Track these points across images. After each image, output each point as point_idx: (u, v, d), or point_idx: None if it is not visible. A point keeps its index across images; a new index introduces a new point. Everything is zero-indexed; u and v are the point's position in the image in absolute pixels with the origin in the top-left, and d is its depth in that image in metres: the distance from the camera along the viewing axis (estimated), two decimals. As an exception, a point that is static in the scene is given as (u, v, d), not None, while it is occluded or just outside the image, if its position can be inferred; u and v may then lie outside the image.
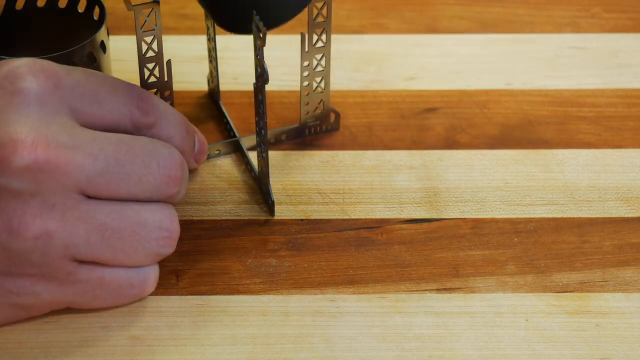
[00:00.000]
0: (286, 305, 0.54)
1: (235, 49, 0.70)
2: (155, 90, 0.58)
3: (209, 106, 0.67)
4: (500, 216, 0.59)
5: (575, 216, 0.59)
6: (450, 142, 0.64)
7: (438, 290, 0.55)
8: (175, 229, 0.52)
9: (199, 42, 0.71)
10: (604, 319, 0.53)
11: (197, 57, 0.70)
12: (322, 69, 0.62)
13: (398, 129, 0.65)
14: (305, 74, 0.62)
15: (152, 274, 0.53)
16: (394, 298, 0.54)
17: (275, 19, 0.55)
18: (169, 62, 0.58)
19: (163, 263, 0.55)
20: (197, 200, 0.60)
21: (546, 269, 0.56)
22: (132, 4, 0.54)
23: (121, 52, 0.67)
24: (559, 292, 0.55)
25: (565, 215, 0.59)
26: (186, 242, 0.57)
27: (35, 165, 0.47)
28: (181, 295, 0.54)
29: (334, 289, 0.55)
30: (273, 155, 0.62)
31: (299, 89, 0.63)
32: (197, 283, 0.55)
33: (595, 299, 0.54)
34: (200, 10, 0.66)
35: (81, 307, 0.52)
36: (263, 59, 0.55)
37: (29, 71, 0.49)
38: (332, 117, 0.64)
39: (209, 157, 0.62)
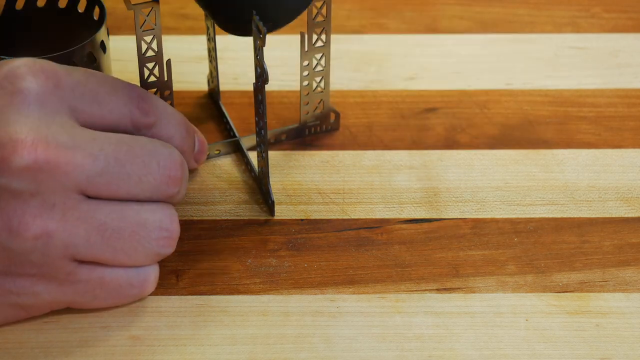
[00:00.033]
0: (286, 305, 0.54)
1: (235, 49, 0.70)
2: (155, 89, 0.58)
3: (209, 106, 0.67)
4: (500, 216, 0.59)
5: (575, 216, 0.59)
6: (450, 142, 0.64)
7: (438, 290, 0.55)
8: (175, 229, 0.52)
9: (199, 42, 0.71)
10: (604, 319, 0.53)
11: (197, 57, 0.70)
12: (321, 68, 0.62)
13: (398, 129, 0.65)
14: (305, 73, 0.62)
15: (152, 274, 0.53)
16: (394, 298, 0.54)
17: (275, 21, 0.55)
18: (168, 61, 0.58)
19: (163, 263, 0.55)
20: (197, 200, 0.60)
21: (546, 269, 0.56)
22: (132, 3, 0.54)
23: (121, 52, 0.67)
24: (559, 292, 0.55)
25: (565, 215, 0.59)
26: (186, 242, 0.57)
27: (35, 165, 0.47)
28: (181, 295, 0.54)
29: (334, 289, 0.55)
30: (273, 155, 0.62)
31: (299, 88, 0.63)
32: (197, 283, 0.55)
33: (595, 299, 0.54)
34: (200, 10, 0.66)
35: (81, 307, 0.52)
36: (263, 59, 0.55)
37: (29, 71, 0.49)
38: (332, 117, 0.64)
39: (209, 157, 0.62)
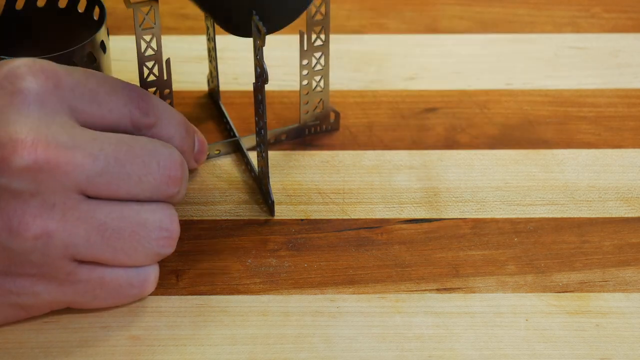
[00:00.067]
0: (286, 305, 0.54)
1: (235, 49, 0.70)
2: (155, 88, 0.58)
3: (209, 106, 0.67)
4: (500, 216, 0.59)
5: (575, 216, 0.59)
6: (450, 142, 0.64)
7: (438, 290, 0.55)
8: (175, 229, 0.52)
9: (199, 42, 0.71)
10: (604, 319, 0.53)
11: (197, 57, 0.70)
12: (321, 67, 0.62)
13: (398, 129, 0.65)
14: (305, 72, 0.61)
15: (152, 274, 0.53)
16: (394, 298, 0.54)
17: (276, 22, 0.55)
18: (168, 60, 0.58)
19: (163, 263, 0.55)
20: (197, 200, 0.60)
21: (546, 269, 0.56)
22: (131, 1, 0.54)
23: (121, 52, 0.67)
24: (559, 292, 0.55)
25: (565, 215, 0.59)
26: (186, 242, 0.57)
27: (35, 165, 0.47)
28: (181, 295, 0.54)
29: (334, 289, 0.55)
30: (273, 155, 0.62)
31: (298, 88, 0.63)
32: (197, 283, 0.55)
33: (595, 299, 0.54)
34: (200, 10, 0.66)
35: (81, 307, 0.52)
36: (263, 59, 0.55)
37: (29, 71, 0.49)
38: (332, 116, 0.64)
39: (209, 157, 0.62)
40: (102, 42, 0.58)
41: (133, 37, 0.57)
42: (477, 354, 0.52)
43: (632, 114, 0.66)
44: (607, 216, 0.59)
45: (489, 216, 0.59)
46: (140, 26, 0.56)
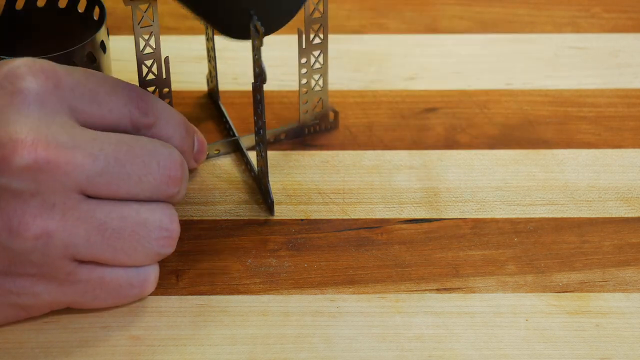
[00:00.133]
0: (286, 305, 0.54)
1: (235, 49, 0.70)
2: (154, 87, 0.58)
3: (209, 106, 0.67)
4: (500, 216, 0.59)
5: (575, 216, 0.59)
6: (450, 142, 0.64)
7: (438, 290, 0.55)
8: (175, 228, 0.52)
9: (199, 42, 0.71)
10: (604, 319, 0.53)
11: (197, 57, 0.70)
12: (320, 66, 0.62)
13: (398, 129, 0.65)
14: (304, 71, 0.61)
15: (152, 274, 0.53)
16: (394, 298, 0.54)
17: (270, 23, 0.55)
18: (166, 58, 0.58)
19: (163, 263, 0.55)
20: (197, 200, 0.60)
21: (546, 269, 0.56)
22: None
23: (121, 52, 0.67)
24: (559, 292, 0.55)
25: (565, 215, 0.59)
26: (186, 242, 0.57)
27: (35, 165, 0.47)
28: (181, 295, 0.54)
29: (334, 289, 0.55)
30: (273, 155, 0.62)
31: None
32: (197, 283, 0.55)
33: (595, 299, 0.54)
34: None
35: (81, 307, 0.52)
36: (261, 58, 0.55)
37: (29, 71, 0.49)
38: (332, 116, 0.64)
39: (209, 157, 0.62)
40: (102, 42, 0.58)
41: (133, 37, 0.57)
42: (477, 354, 0.52)
43: (632, 114, 0.66)
44: (607, 216, 0.59)
45: (489, 216, 0.59)
46: (138, 24, 0.56)
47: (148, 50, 0.57)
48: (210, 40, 0.63)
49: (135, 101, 0.52)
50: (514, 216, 0.59)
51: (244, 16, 0.54)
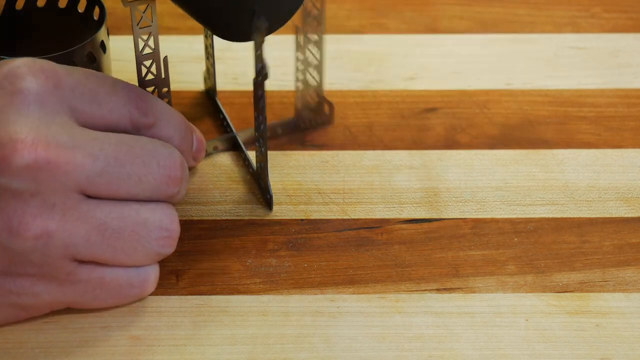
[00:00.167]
0: (286, 305, 0.54)
1: (235, 48, 0.70)
2: (153, 87, 0.58)
3: (207, 104, 0.67)
4: (500, 216, 0.59)
5: (575, 216, 0.59)
6: (450, 142, 0.64)
7: (438, 290, 0.55)
8: (175, 228, 0.52)
9: (199, 42, 0.71)
10: (604, 319, 0.53)
11: (197, 57, 0.70)
12: (317, 62, 0.62)
13: (398, 129, 0.65)
14: (300, 66, 0.62)
15: (152, 274, 0.53)
16: (394, 298, 0.54)
17: (272, 23, 0.55)
18: (165, 58, 0.58)
19: (163, 263, 0.55)
20: (197, 200, 0.60)
21: (546, 269, 0.56)
22: (128, 0, 0.54)
23: (121, 52, 0.67)
24: (559, 292, 0.55)
25: (565, 215, 0.59)
26: (186, 242, 0.57)
27: (36, 165, 0.47)
28: (181, 295, 0.54)
29: (334, 289, 0.55)
30: (273, 155, 0.62)
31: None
32: (197, 283, 0.55)
33: (595, 299, 0.54)
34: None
35: (81, 307, 0.52)
36: (263, 54, 0.55)
37: (29, 71, 0.49)
38: (327, 108, 0.64)
39: (207, 155, 0.62)
40: (102, 42, 0.58)
41: (132, 37, 0.57)
42: (477, 354, 0.52)
43: (632, 114, 0.66)
44: (607, 216, 0.59)
45: (489, 216, 0.59)
46: (137, 25, 0.56)
47: (147, 50, 0.57)
48: (208, 37, 0.63)
49: (135, 101, 0.52)
50: (514, 216, 0.59)
51: (243, 18, 0.54)
